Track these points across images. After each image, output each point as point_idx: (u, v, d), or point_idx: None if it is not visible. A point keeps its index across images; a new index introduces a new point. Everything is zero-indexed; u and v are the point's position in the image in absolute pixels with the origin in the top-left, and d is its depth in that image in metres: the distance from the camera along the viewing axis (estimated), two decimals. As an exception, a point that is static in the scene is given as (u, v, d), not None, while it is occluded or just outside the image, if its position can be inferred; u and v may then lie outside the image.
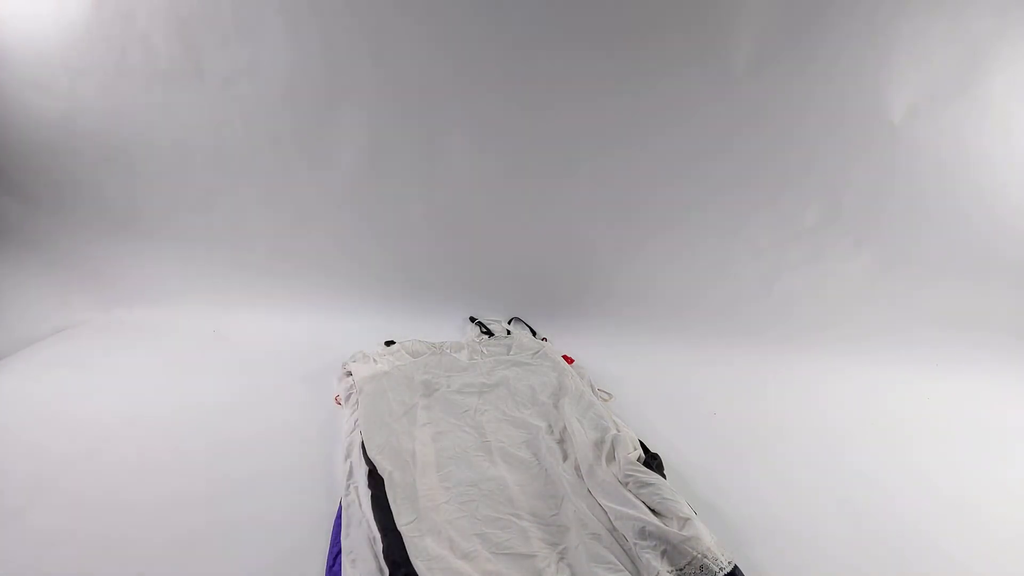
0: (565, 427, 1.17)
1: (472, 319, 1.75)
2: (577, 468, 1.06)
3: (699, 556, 0.81)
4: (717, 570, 0.80)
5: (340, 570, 0.86)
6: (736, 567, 0.81)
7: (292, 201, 1.80)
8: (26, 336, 1.51)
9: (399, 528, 0.89)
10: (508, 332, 1.67)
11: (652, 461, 1.07)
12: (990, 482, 1.21)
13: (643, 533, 0.86)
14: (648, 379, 1.54)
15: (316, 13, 1.61)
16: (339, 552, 0.89)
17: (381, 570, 0.85)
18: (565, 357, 1.53)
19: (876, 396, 1.53)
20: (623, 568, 0.84)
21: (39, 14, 1.64)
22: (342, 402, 1.32)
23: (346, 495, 1.00)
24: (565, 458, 1.09)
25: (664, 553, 0.83)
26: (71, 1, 1.63)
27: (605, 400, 1.38)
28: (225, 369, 1.47)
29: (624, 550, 0.88)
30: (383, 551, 0.87)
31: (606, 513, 0.94)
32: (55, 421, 1.19)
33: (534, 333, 1.66)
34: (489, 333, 1.64)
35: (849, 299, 1.74)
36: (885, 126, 1.60)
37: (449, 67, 1.65)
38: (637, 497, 0.94)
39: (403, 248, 1.82)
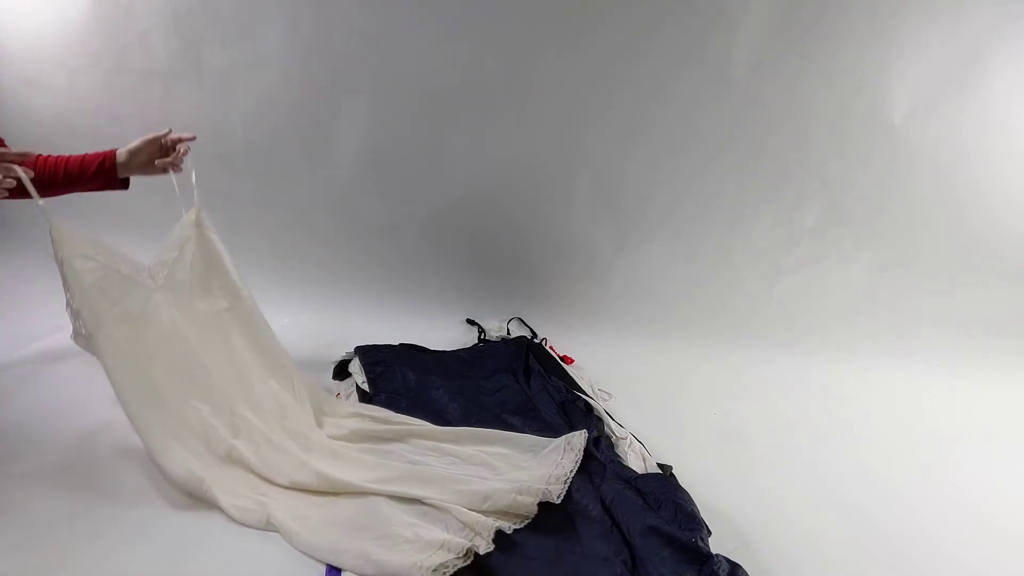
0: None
1: (470, 320, 1.74)
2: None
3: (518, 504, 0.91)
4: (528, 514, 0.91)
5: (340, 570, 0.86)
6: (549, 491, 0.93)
7: (292, 201, 1.79)
8: (26, 336, 1.51)
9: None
10: (508, 332, 1.67)
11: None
12: (991, 482, 1.21)
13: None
14: (648, 379, 1.54)
15: (316, 12, 1.61)
16: (339, 553, 0.89)
17: (381, 570, 0.85)
18: (565, 357, 1.53)
19: (876, 396, 1.53)
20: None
21: (39, 13, 1.64)
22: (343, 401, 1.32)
23: (346, 495, 1.00)
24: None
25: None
26: (70, 0, 1.62)
27: (606, 400, 1.38)
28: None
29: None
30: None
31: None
32: (55, 422, 1.18)
33: (534, 334, 1.66)
34: (486, 341, 1.63)
35: (849, 300, 1.74)
36: (885, 126, 1.60)
37: (449, 66, 1.65)
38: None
39: (403, 248, 1.81)
